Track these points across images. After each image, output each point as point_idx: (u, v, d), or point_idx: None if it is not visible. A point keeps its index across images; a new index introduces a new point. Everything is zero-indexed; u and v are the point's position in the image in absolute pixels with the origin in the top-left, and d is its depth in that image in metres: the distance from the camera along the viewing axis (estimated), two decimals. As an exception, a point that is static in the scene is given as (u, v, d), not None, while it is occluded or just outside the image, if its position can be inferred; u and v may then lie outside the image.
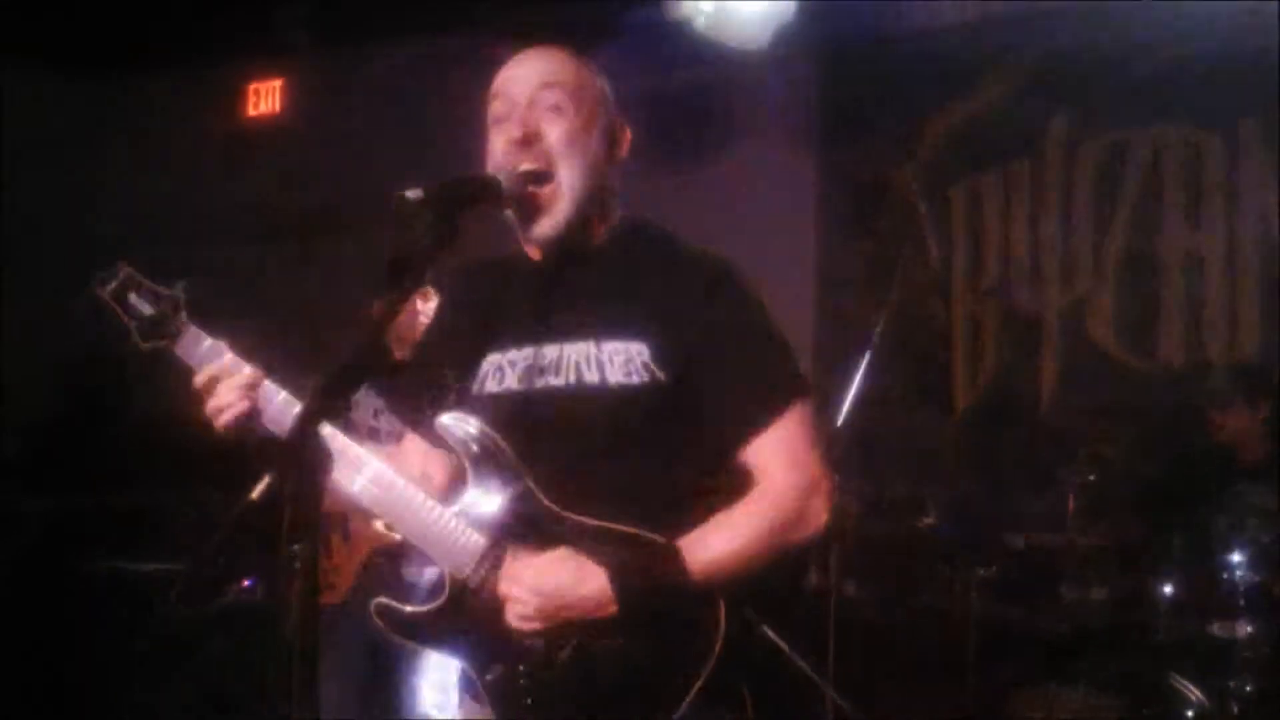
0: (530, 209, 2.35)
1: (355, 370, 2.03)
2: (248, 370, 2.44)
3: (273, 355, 2.47)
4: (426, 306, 3.89)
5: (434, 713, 4.23)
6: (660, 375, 2.31)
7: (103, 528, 6.71)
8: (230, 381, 2.42)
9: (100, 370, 6.86)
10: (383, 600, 2.40)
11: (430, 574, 2.40)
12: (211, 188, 7.75)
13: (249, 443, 2.45)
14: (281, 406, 2.43)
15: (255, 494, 1.91)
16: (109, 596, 6.19)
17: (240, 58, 7.79)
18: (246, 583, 5.92)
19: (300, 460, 1.89)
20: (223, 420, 2.41)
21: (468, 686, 2.38)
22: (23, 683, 5.76)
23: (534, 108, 2.36)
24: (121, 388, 6.30)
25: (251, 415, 2.42)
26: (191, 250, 6.53)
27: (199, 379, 2.45)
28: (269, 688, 1.86)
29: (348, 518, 4.44)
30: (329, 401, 1.99)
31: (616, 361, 2.32)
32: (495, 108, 2.40)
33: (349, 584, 4.47)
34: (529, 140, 2.34)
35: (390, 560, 4.35)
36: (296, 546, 1.88)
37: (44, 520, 6.75)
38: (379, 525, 2.43)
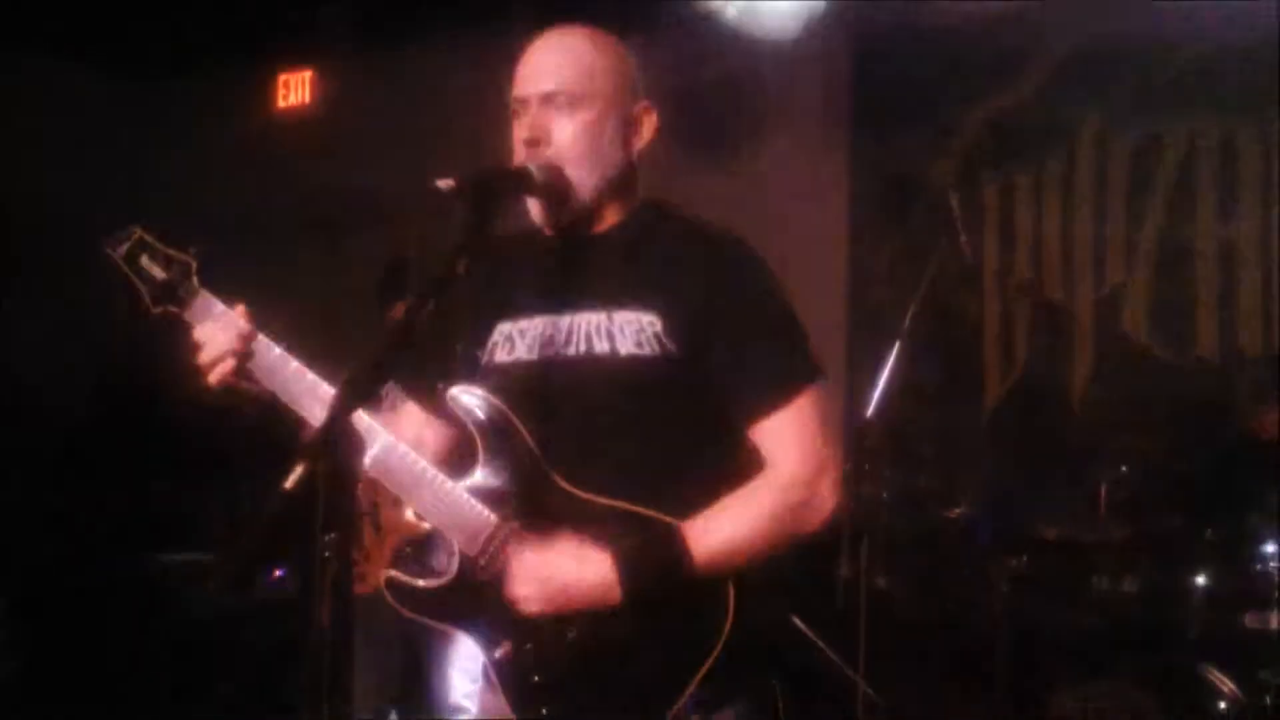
0: (554, 198, 2.35)
1: (387, 363, 2.05)
2: (243, 324, 2.42)
3: (301, 345, 2.47)
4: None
5: (465, 701, 4.26)
6: (671, 348, 2.29)
7: (135, 520, 6.75)
8: (223, 334, 2.40)
9: (132, 363, 6.91)
10: (393, 573, 2.40)
11: (455, 561, 2.40)
12: (242, 180, 7.77)
13: (241, 404, 2.44)
14: (276, 361, 2.42)
15: (289, 484, 1.90)
16: (142, 589, 6.23)
17: (271, 48, 7.80)
18: (279, 573, 5.96)
19: (334, 450, 1.91)
20: (215, 375, 2.41)
21: (484, 672, 2.38)
22: (58, 676, 5.80)
23: (545, 106, 2.34)
24: (153, 381, 6.33)
25: (242, 370, 2.41)
26: (223, 243, 6.56)
27: (197, 334, 2.44)
28: (303, 678, 1.87)
29: (379, 508, 4.46)
30: (362, 391, 2.00)
31: (628, 332, 2.30)
32: (512, 101, 2.39)
33: (381, 574, 4.49)
34: (537, 142, 2.33)
35: (418, 548, 4.37)
36: (329, 537, 1.90)
37: (76, 514, 6.79)
38: (409, 515, 2.43)
